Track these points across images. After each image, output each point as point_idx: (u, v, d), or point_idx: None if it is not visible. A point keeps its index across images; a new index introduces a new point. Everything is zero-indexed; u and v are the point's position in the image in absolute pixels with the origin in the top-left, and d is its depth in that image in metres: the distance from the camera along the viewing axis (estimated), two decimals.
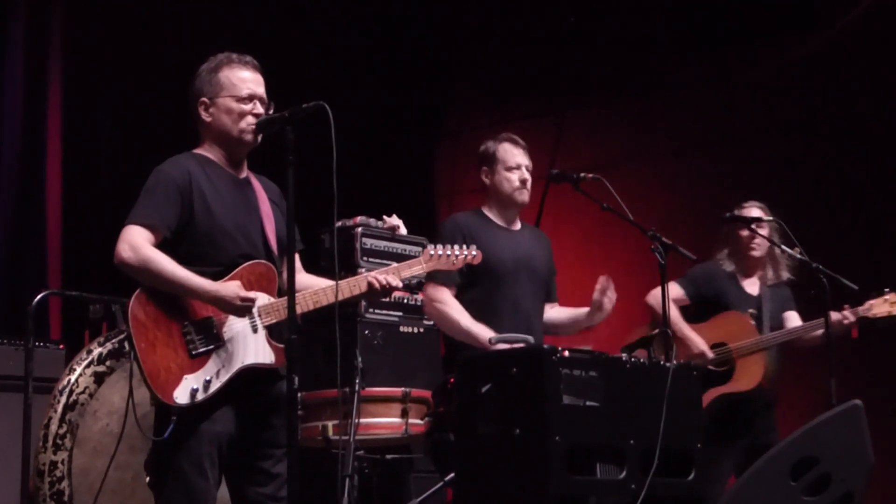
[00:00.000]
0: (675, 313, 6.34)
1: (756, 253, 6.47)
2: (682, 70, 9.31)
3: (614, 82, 9.51)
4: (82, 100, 8.16)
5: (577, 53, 9.55)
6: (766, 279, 6.51)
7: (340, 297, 4.51)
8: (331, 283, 4.60)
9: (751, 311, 6.39)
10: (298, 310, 4.24)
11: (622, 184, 5.60)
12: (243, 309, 4.37)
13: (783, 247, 6.07)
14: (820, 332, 6.21)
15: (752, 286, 6.52)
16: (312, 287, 4.58)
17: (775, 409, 6.40)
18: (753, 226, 6.35)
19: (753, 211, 6.47)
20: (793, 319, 6.47)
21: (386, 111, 10.04)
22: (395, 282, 4.68)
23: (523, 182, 5.76)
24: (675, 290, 6.44)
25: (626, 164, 9.24)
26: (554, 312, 5.90)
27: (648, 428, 4.28)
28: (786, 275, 6.50)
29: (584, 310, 5.76)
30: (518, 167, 5.77)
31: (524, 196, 5.79)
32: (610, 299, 5.60)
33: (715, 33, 8.95)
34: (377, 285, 4.64)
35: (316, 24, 9.48)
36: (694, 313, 6.52)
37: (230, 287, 4.36)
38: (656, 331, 5.11)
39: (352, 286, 4.63)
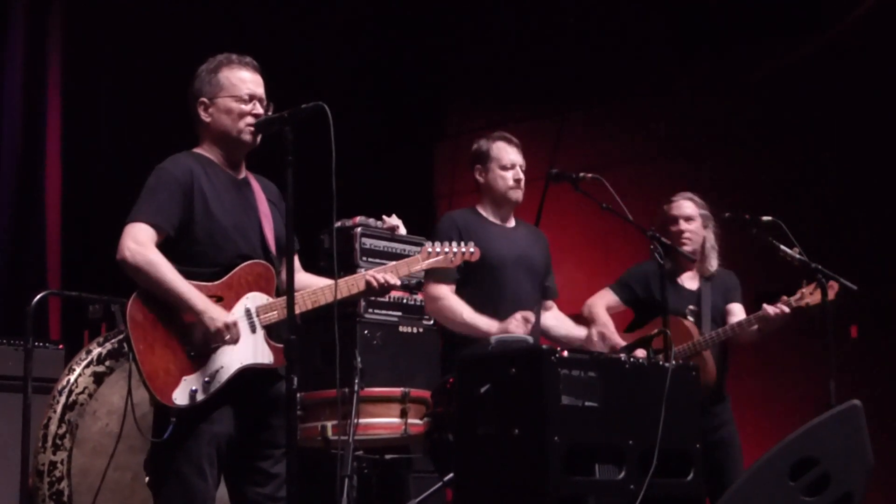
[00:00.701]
0: (607, 321, 6.19)
1: (688, 248, 6.26)
2: (682, 71, 9.32)
3: (614, 84, 9.51)
4: (82, 100, 8.17)
5: (576, 55, 9.55)
6: (703, 271, 6.36)
7: (339, 297, 4.51)
8: (330, 282, 4.60)
9: (690, 307, 6.25)
10: (297, 309, 4.24)
11: (621, 184, 5.60)
12: (218, 336, 4.33)
13: (782, 247, 6.02)
14: (755, 328, 6.13)
15: (690, 280, 6.37)
16: (311, 286, 4.58)
17: (726, 404, 6.23)
18: (681, 222, 6.28)
19: (684, 204, 6.36)
20: (736, 312, 6.31)
21: (386, 112, 10.05)
22: (394, 280, 4.69)
23: (517, 181, 5.77)
24: (608, 297, 6.34)
25: (626, 164, 9.24)
26: (552, 319, 5.90)
27: (647, 428, 4.28)
28: (714, 265, 6.34)
29: (581, 334, 5.79)
30: (512, 166, 5.77)
31: (518, 195, 5.80)
32: (603, 341, 5.65)
33: (715, 35, 8.95)
34: (375, 284, 4.64)
35: (316, 24, 9.49)
36: (635, 318, 6.40)
37: (219, 311, 4.34)
38: (655, 331, 5.10)
39: (350, 285, 4.63)
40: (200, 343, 4.32)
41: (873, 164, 8.43)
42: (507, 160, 5.77)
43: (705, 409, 6.07)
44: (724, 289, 6.38)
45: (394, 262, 4.82)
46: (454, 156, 10.10)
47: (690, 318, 6.23)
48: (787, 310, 6.00)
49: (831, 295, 5.94)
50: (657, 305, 6.20)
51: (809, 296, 5.98)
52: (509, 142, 5.83)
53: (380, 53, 10.05)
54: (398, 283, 4.72)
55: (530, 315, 5.42)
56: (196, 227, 4.41)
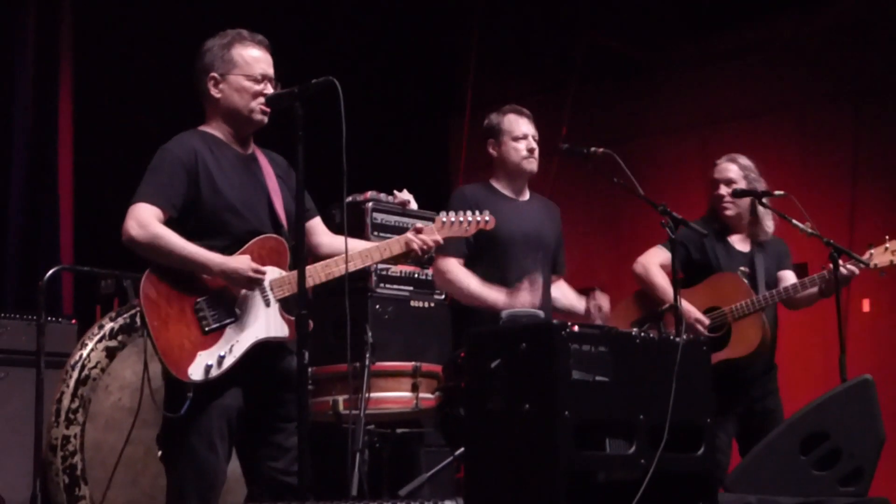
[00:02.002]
0: (662, 280, 6.09)
1: (729, 212, 6.20)
2: (696, 43, 9.29)
3: (627, 56, 9.49)
4: (93, 77, 8.17)
5: (589, 27, 9.52)
6: (756, 235, 6.25)
7: (353, 267, 4.51)
8: (366, 244, 4.66)
9: (742, 268, 6.16)
10: (310, 282, 4.27)
11: (632, 159, 5.58)
12: (253, 281, 4.38)
13: (794, 221, 6.00)
14: (815, 289, 6.08)
15: (742, 243, 6.27)
16: (340, 248, 4.59)
17: (774, 373, 6.15)
18: (727, 188, 6.23)
19: (727, 167, 6.25)
20: (789, 279, 6.22)
21: (399, 86, 10.03)
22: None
23: (531, 151, 5.74)
24: (661, 254, 6.17)
25: (638, 138, 9.22)
26: (556, 291, 5.89)
27: (658, 403, 4.27)
28: (767, 228, 6.20)
29: (581, 306, 5.77)
30: (524, 136, 5.74)
31: (532, 165, 5.77)
32: (598, 313, 5.64)
33: (732, 5, 8.90)
34: (416, 246, 4.68)
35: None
36: (685, 278, 6.21)
37: (241, 260, 4.37)
38: (666, 305, 5.10)
39: (364, 256, 4.63)
40: (218, 314, 4.34)
41: (888, 132, 8.39)
42: (520, 131, 5.75)
43: (754, 377, 6.05)
44: (776, 255, 6.29)
45: (407, 233, 4.79)
46: (468, 129, 10.09)
47: (746, 282, 6.16)
48: (855, 270, 5.94)
49: (885, 261, 5.92)
50: (709, 264, 6.17)
51: (878, 256, 5.93)
52: (520, 113, 5.81)
53: (393, 26, 10.02)
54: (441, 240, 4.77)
55: (537, 279, 5.40)
56: (204, 205, 4.42)
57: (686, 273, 6.24)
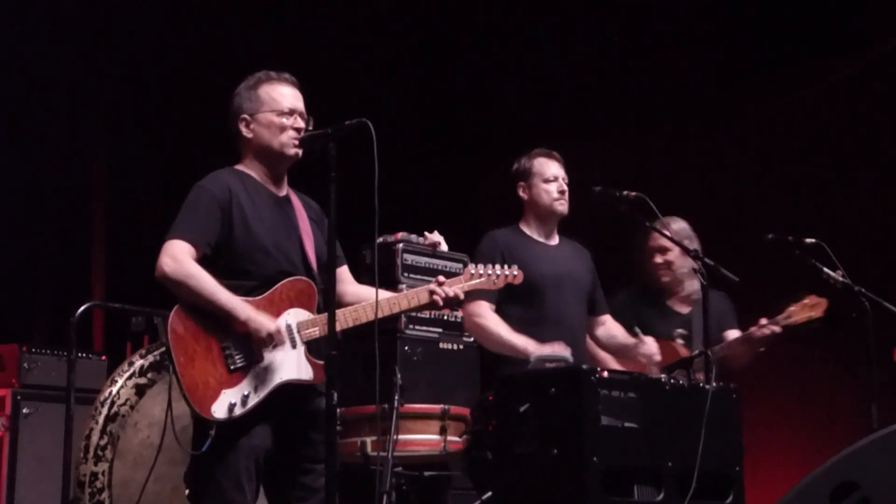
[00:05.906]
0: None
1: (666, 278, 6.30)
2: (726, 90, 9.27)
3: (657, 102, 9.48)
4: (127, 113, 8.24)
5: (620, 73, 9.53)
6: (687, 298, 6.28)
7: (380, 315, 4.51)
8: (384, 294, 4.62)
9: (678, 331, 6.17)
10: (338, 327, 4.25)
11: (663, 203, 5.57)
12: (265, 342, 4.36)
13: (826, 269, 5.97)
14: (743, 348, 6.05)
15: (681, 304, 6.34)
16: (366, 299, 4.59)
17: None
18: (660, 254, 6.24)
19: (659, 237, 6.20)
20: (730, 339, 6.22)
21: (430, 127, 10.06)
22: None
23: (562, 193, 5.77)
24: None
25: (668, 183, 9.20)
26: (604, 333, 5.89)
27: (687, 450, 4.27)
28: (693, 288, 6.16)
29: (632, 344, 5.76)
30: (555, 178, 5.77)
31: (563, 207, 5.79)
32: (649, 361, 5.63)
33: (760, 55, 8.90)
34: (440, 298, 4.64)
35: (364, 40, 9.54)
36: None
37: (265, 319, 4.37)
38: (696, 352, 5.08)
39: (392, 304, 4.63)
40: (244, 353, 4.34)
41: None
42: (550, 173, 5.77)
43: None
44: (717, 314, 6.18)
45: (432, 283, 4.79)
46: (498, 172, 10.09)
47: (680, 341, 6.13)
48: (776, 329, 5.94)
49: (820, 312, 5.89)
50: (645, 330, 6.12)
51: (796, 314, 5.92)
52: (549, 156, 5.84)
53: (427, 68, 10.07)
54: (461, 296, 4.72)
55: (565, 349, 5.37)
56: (236, 244, 4.44)
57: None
